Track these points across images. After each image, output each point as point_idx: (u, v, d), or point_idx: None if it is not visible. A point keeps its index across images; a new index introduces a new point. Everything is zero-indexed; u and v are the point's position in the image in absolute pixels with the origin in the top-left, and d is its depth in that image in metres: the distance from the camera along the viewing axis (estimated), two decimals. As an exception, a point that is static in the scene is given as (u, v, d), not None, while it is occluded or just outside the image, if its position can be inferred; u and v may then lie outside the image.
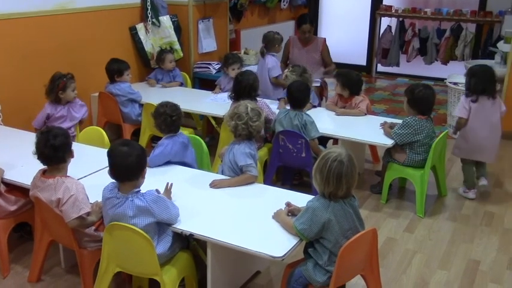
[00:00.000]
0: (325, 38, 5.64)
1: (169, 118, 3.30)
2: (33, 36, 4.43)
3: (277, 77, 5.12)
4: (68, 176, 2.77)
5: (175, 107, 3.35)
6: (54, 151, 2.70)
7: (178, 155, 3.34)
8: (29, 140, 3.18)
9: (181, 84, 5.40)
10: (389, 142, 3.88)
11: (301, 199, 2.82)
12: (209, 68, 5.72)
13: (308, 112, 4.05)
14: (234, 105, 3.22)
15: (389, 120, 4.12)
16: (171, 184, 2.81)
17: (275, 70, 5.12)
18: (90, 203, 2.74)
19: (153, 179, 2.84)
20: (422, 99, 3.88)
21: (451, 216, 3.95)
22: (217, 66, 5.69)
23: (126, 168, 2.50)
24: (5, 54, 4.20)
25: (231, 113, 3.16)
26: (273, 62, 5.16)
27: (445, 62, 7.74)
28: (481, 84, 4.06)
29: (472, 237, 3.65)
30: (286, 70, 4.61)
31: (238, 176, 3.13)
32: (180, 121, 3.37)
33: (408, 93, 3.95)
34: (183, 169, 3.30)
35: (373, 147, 4.89)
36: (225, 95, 4.69)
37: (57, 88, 4.00)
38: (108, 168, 2.57)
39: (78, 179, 2.88)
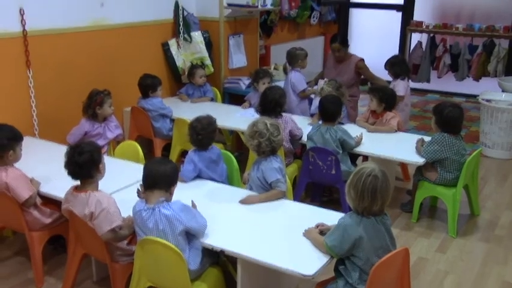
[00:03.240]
0: (361, 58, 5.43)
1: (195, 135, 3.35)
2: (69, 52, 4.55)
3: (304, 90, 5.14)
4: (99, 190, 2.83)
5: (207, 125, 3.37)
6: (78, 168, 2.76)
7: (204, 172, 3.37)
8: (63, 153, 3.26)
9: (212, 100, 5.45)
10: (420, 160, 3.84)
11: (330, 217, 2.82)
12: (239, 84, 5.77)
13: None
14: (251, 124, 3.21)
15: (426, 138, 4.06)
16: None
17: (300, 84, 5.12)
18: (123, 217, 2.78)
19: (184, 193, 2.87)
20: (452, 119, 3.84)
21: (484, 236, 3.87)
22: (247, 82, 5.73)
23: (160, 174, 2.58)
24: (42, 69, 4.33)
25: (250, 131, 3.17)
26: (296, 76, 5.17)
27: (477, 79, 7.62)
28: (406, 67, 5.26)
29: (506, 259, 3.56)
30: (323, 82, 4.63)
31: (267, 191, 3.14)
32: (207, 140, 3.38)
33: (437, 113, 3.91)
34: (213, 184, 3.33)
35: (403, 165, 4.84)
36: (254, 110, 4.73)
37: (95, 103, 4.08)
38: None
39: (111, 193, 2.93)
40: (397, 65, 5.13)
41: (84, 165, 2.75)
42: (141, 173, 3.14)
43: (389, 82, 5.19)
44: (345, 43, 5.44)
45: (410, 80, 5.28)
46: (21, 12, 4.12)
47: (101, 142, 4.05)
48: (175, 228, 2.52)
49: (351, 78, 5.41)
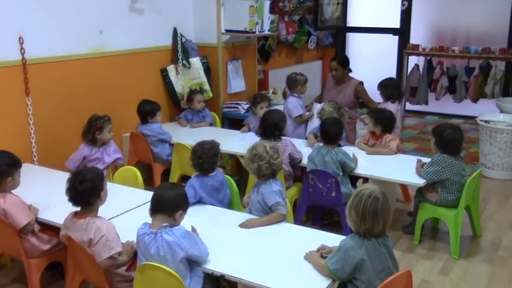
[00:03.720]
0: (360, 81, 5.55)
1: (196, 160, 3.35)
2: (69, 79, 4.57)
3: (301, 115, 5.16)
4: (99, 217, 2.80)
5: (208, 150, 3.37)
6: (79, 195, 2.74)
7: (205, 198, 3.34)
8: (62, 179, 3.23)
9: (211, 124, 5.46)
10: (420, 181, 3.82)
11: (331, 239, 2.80)
12: (238, 108, 5.79)
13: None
14: (250, 147, 3.21)
15: (424, 159, 4.05)
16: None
17: (296, 110, 5.16)
18: (122, 243, 2.76)
19: (184, 218, 2.85)
20: (452, 141, 3.84)
21: (488, 258, 3.83)
22: (246, 106, 5.75)
23: (163, 199, 2.58)
24: (42, 97, 4.34)
25: (250, 155, 3.16)
26: (293, 102, 5.21)
27: (474, 100, 7.66)
28: (399, 91, 5.24)
29: (510, 280, 3.52)
30: (323, 103, 4.65)
31: (267, 214, 3.12)
32: (208, 165, 3.36)
33: (436, 134, 3.92)
34: (213, 209, 3.31)
35: (404, 187, 4.83)
36: (253, 134, 4.74)
37: (94, 129, 4.10)
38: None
39: (110, 219, 2.91)
40: (390, 88, 5.10)
41: (84, 193, 2.73)
42: (140, 198, 3.15)
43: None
44: (343, 63, 5.51)
45: (400, 103, 5.21)
46: (21, 41, 4.15)
47: (99, 167, 4.04)
48: (176, 254, 2.50)
49: (350, 100, 5.45)
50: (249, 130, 5.13)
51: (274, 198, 3.06)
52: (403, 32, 8.33)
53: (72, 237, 2.73)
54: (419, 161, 4.01)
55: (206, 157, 3.34)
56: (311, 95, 6.23)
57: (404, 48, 8.14)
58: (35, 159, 4.32)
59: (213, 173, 3.38)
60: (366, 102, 5.54)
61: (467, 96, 7.72)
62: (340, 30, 8.72)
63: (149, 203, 2.64)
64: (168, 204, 2.59)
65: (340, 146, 4.16)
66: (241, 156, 4.80)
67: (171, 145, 4.82)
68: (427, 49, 7.87)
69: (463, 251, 3.89)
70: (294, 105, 5.18)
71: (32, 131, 4.29)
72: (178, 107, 5.67)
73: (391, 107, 5.01)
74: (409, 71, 8.17)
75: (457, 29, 8.21)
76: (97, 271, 2.73)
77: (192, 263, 2.60)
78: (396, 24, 8.39)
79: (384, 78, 5.33)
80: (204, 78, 5.68)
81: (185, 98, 5.55)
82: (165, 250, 2.49)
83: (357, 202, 2.41)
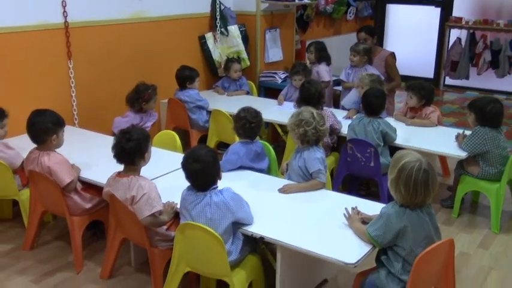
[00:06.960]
0: (391, 52, 5.44)
1: (248, 124, 3.32)
2: (109, 44, 4.61)
3: (344, 82, 5.21)
4: (141, 176, 2.84)
5: (256, 114, 3.37)
6: (124, 153, 2.78)
7: (249, 163, 3.34)
8: (102, 141, 3.29)
9: (248, 93, 5.44)
10: (462, 154, 3.73)
11: (371, 206, 2.77)
12: (275, 77, 5.74)
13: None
14: (296, 113, 3.18)
15: (467, 132, 3.95)
16: None
17: (341, 76, 5.25)
18: (163, 203, 2.79)
19: (223, 183, 2.85)
20: (496, 114, 3.72)
21: (529, 233, 3.74)
22: (283, 76, 5.70)
23: (208, 171, 2.58)
24: (82, 60, 4.39)
25: (295, 120, 3.13)
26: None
27: (518, 76, 7.42)
28: (328, 54, 5.33)
29: (553, 256, 3.44)
30: (359, 75, 4.58)
31: (306, 181, 3.10)
32: (258, 129, 3.38)
33: (476, 110, 3.79)
34: (254, 174, 3.31)
35: (443, 160, 4.73)
36: (291, 104, 4.70)
37: (142, 99, 4.22)
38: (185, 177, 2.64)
39: (151, 180, 2.94)
40: (323, 50, 5.28)
41: (130, 151, 2.76)
42: (179, 162, 3.14)
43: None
44: (371, 32, 5.52)
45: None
46: (63, 4, 4.18)
47: None
48: (225, 218, 2.53)
49: (382, 72, 5.31)
50: (285, 100, 5.06)
51: (317, 165, 3.04)
52: (445, 3, 8.07)
53: (115, 194, 2.78)
54: (461, 133, 3.91)
55: (257, 121, 3.35)
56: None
57: (447, 21, 7.90)
58: (75, 121, 4.40)
59: (255, 140, 3.38)
60: (391, 76, 5.39)
61: (510, 72, 7.48)
62: (380, 1, 8.51)
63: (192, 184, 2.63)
64: (212, 172, 2.60)
65: (380, 118, 4.08)
66: (279, 125, 4.80)
67: (208, 112, 4.83)
68: (470, 22, 7.64)
69: (504, 226, 3.81)
70: (341, 73, 5.25)
71: (73, 94, 4.36)
72: (216, 75, 5.66)
73: (325, 69, 5.21)
74: (450, 45, 7.94)
75: (502, 1, 7.90)
76: (138, 229, 2.77)
77: (234, 225, 2.61)
78: (439, -5, 8.14)
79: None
80: (241, 47, 5.64)
81: (222, 66, 5.53)
82: (212, 211, 2.52)
83: (406, 176, 2.31)
